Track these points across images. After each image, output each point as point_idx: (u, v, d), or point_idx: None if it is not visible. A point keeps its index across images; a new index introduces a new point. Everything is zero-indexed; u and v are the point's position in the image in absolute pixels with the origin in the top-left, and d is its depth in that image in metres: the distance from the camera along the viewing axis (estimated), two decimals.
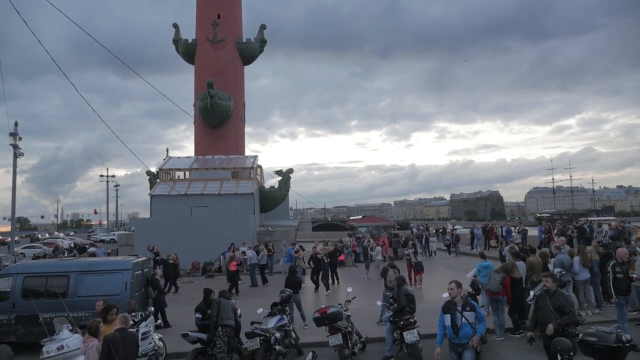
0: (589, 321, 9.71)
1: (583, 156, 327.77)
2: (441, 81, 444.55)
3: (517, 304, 10.55)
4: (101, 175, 68.11)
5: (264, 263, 20.28)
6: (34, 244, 43.45)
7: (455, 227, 40.61)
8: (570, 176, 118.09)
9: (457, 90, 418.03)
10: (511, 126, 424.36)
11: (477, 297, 9.95)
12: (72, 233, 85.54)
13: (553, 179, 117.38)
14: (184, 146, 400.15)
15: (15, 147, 31.24)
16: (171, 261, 18.68)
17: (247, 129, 44.62)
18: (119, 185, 75.12)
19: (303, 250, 19.29)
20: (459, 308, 6.65)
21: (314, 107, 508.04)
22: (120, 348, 6.00)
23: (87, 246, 32.27)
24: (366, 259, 21.47)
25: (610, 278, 9.39)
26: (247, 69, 36.60)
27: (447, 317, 6.68)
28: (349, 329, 8.96)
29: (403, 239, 26.40)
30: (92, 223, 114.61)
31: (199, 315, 9.02)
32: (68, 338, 7.95)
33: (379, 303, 10.97)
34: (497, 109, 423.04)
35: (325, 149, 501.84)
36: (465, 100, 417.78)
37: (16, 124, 31.59)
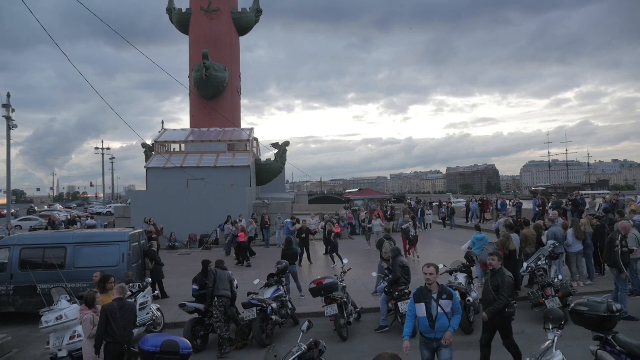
0: (581, 292, 9.87)
1: (580, 130, 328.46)
2: (440, 53, 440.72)
3: None
4: (96, 148, 67.67)
5: (252, 235, 20.43)
6: (30, 217, 43.55)
7: (459, 200, 40.94)
8: (567, 150, 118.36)
9: (456, 62, 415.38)
10: (509, 99, 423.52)
11: (472, 268, 10.08)
12: (73, 205, 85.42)
13: (549, 153, 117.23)
14: (180, 118, 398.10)
15: (8, 119, 30.87)
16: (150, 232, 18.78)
17: (243, 102, 44.31)
18: (114, 158, 74.70)
19: (299, 223, 19.40)
20: (435, 296, 5.62)
21: (311, 79, 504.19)
22: (119, 317, 6.08)
23: (77, 219, 32.55)
24: (364, 231, 21.65)
25: (619, 252, 9.38)
26: (243, 40, 36.02)
27: (421, 306, 5.60)
28: (345, 300, 9.09)
29: (389, 213, 26.23)
30: (89, 196, 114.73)
31: (195, 287, 9.11)
32: (66, 308, 8.02)
33: (375, 274, 11.11)
34: (496, 82, 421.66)
35: (322, 122, 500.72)
36: (463, 72, 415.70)
37: (9, 96, 31.14)
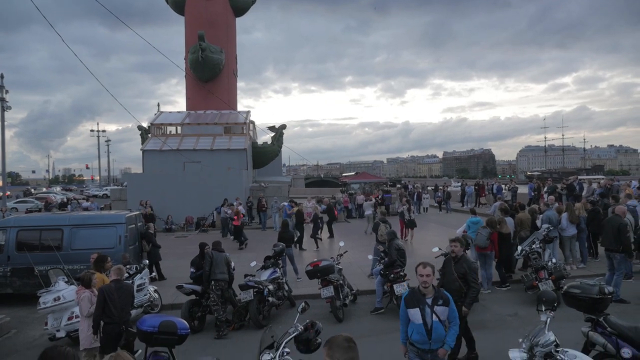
0: (574, 275, 10.00)
1: (577, 115, 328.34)
2: (438, 36, 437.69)
3: (504, 259, 10.81)
4: (92, 130, 67.10)
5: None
6: (26, 199, 43.42)
7: (459, 184, 41.20)
8: (563, 135, 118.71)
9: (455, 46, 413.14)
10: (507, 84, 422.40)
11: (467, 251, 10.16)
12: (73, 188, 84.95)
13: (545, 138, 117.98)
14: (176, 101, 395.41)
15: (2, 100, 30.55)
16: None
17: (240, 84, 43.87)
18: (110, 140, 74.18)
19: (296, 205, 19.46)
20: (429, 301, 4.82)
21: (308, 61, 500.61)
22: (116, 298, 6.12)
23: (69, 201, 32.50)
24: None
25: (632, 236, 9.41)
26: (239, 21, 35.51)
27: (415, 312, 4.82)
28: (341, 282, 9.18)
29: (379, 197, 26.11)
30: (85, 178, 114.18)
31: (193, 270, 9.16)
32: (64, 289, 8.07)
33: (370, 257, 11.21)
34: (494, 66, 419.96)
35: (319, 105, 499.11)
36: (462, 56, 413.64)
37: (2, 77, 30.77)
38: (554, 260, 9.55)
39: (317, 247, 16.91)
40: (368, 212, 20.71)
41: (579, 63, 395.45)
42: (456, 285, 6.26)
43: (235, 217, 18.30)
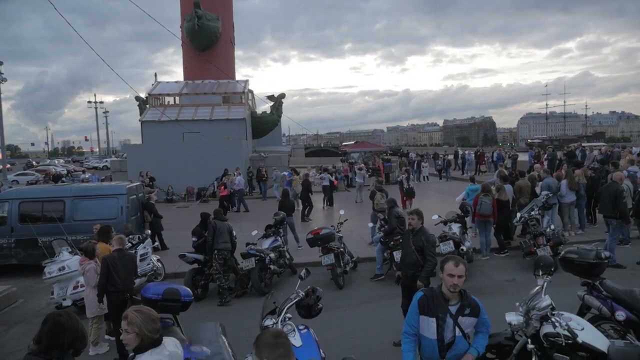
0: (572, 241, 10.10)
1: (579, 81, 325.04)
2: (440, 1, 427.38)
3: (503, 225, 10.90)
4: (89, 102, 66.54)
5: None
6: (26, 171, 43.49)
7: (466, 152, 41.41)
8: (564, 102, 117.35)
9: (456, 11, 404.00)
10: (509, 49, 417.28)
11: (466, 219, 10.25)
12: (79, 159, 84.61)
13: (547, 105, 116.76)
14: (173, 71, 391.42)
15: None
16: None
17: (237, 53, 43.21)
18: (108, 111, 73.55)
19: (297, 174, 19.50)
20: (452, 309, 3.66)
21: (307, 29, 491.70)
22: (119, 267, 6.22)
23: (65, 173, 32.51)
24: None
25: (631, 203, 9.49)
26: None
27: (430, 322, 3.65)
28: (341, 249, 9.29)
29: (370, 167, 25.95)
30: (84, 150, 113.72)
31: (194, 239, 9.26)
32: (68, 259, 8.19)
33: (370, 225, 11.30)
34: (497, 31, 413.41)
35: (318, 73, 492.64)
36: (463, 22, 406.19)
37: None
38: (552, 227, 9.63)
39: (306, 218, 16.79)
40: (359, 180, 20.77)
41: (583, 28, 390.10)
42: (413, 258, 6.11)
43: (222, 188, 18.36)
